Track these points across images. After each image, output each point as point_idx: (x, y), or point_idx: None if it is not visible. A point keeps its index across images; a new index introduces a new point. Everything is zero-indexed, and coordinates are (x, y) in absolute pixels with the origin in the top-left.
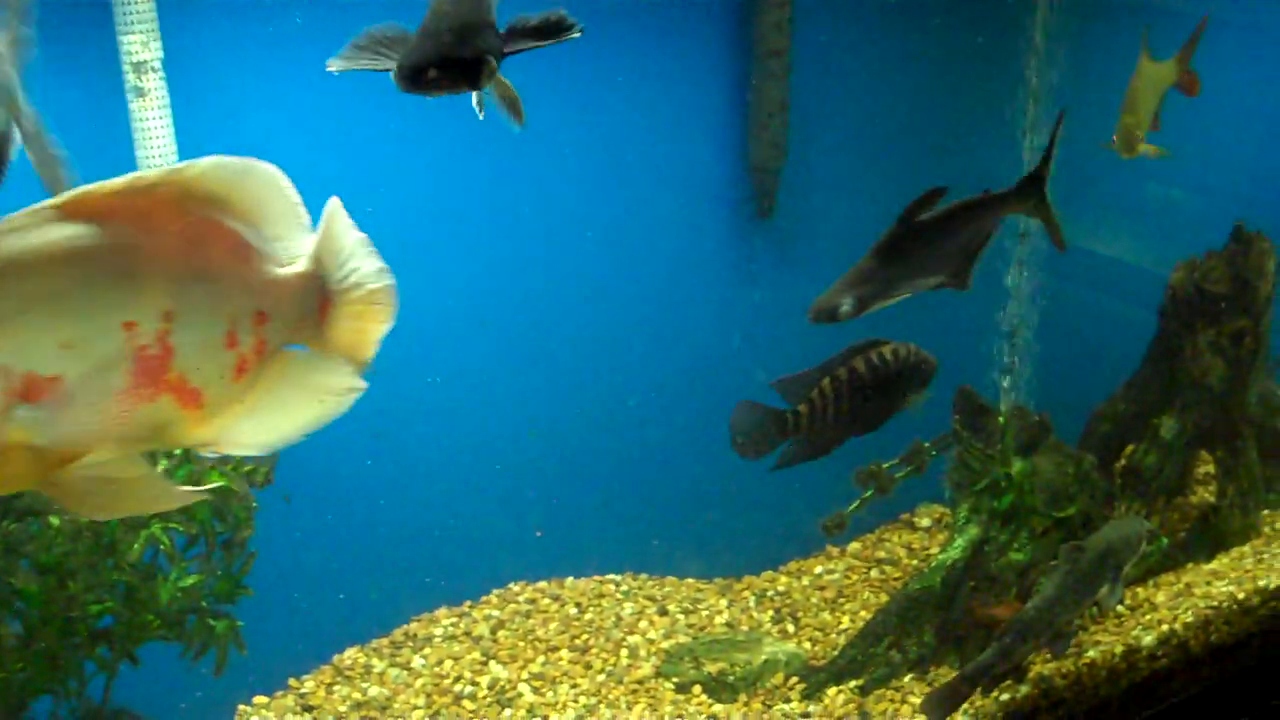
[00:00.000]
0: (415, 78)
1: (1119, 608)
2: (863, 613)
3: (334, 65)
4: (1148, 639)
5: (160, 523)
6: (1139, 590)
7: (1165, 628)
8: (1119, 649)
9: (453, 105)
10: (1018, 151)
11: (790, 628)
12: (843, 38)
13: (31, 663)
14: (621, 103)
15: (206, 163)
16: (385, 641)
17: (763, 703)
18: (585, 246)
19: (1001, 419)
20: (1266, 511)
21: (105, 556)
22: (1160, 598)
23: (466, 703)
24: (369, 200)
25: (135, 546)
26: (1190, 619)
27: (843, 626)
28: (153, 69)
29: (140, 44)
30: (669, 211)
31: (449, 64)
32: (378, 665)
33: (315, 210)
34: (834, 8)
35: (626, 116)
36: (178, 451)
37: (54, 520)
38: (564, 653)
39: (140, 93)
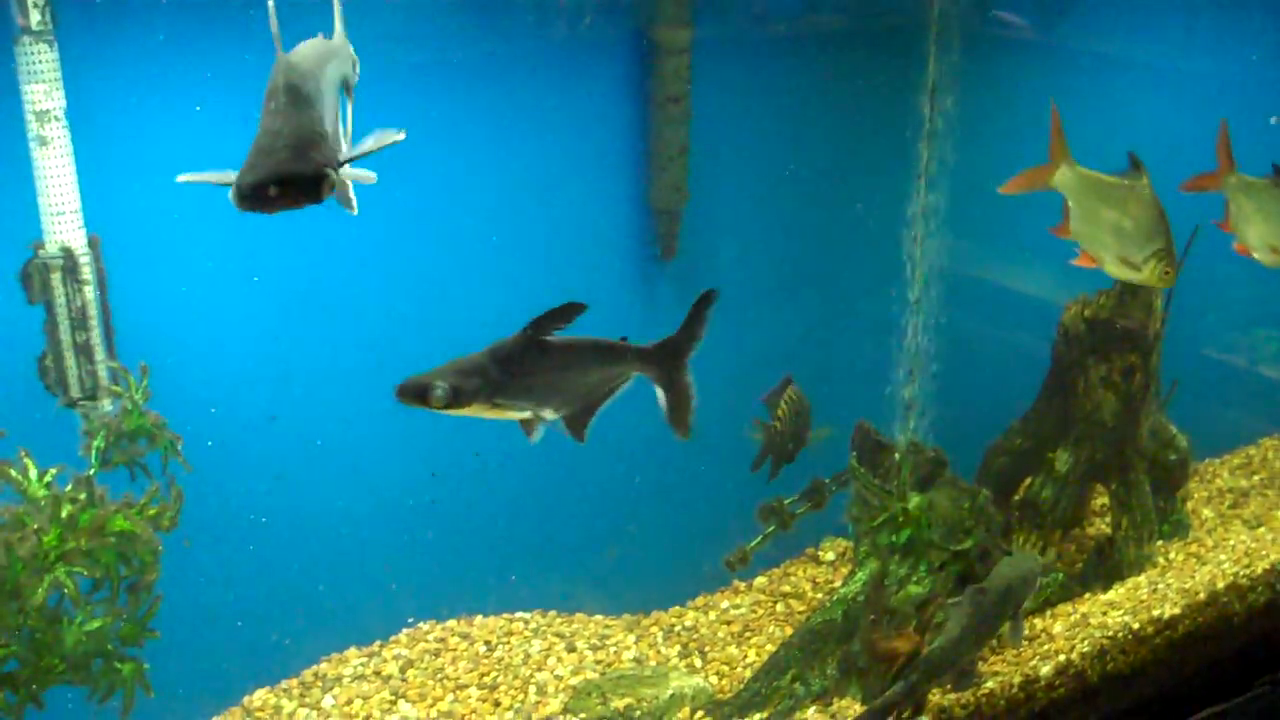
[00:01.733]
0: (256, 195)
1: None
2: (769, 646)
3: (183, 178)
4: (1045, 669)
5: (65, 566)
6: (1036, 621)
7: (1062, 658)
8: (1017, 679)
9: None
10: (909, 190)
11: (698, 662)
12: (740, 82)
13: None
14: (524, 146)
15: None
16: (295, 682)
17: None
18: (489, 288)
19: (897, 455)
20: (1160, 543)
21: (8, 600)
22: (1057, 628)
23: None
24: (273, 249)
25: (39, 590)
26: (1087, 649)
27: (749, 660)
28: (55, 118)
29: (43, 93)
30: (573, 254)
31: (288, 181)
32: (287, 706)
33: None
34: (731, 54)
35: (529, 159)
36: (82, 495)
37: None
38: (473, 690)
39: (43, 141)
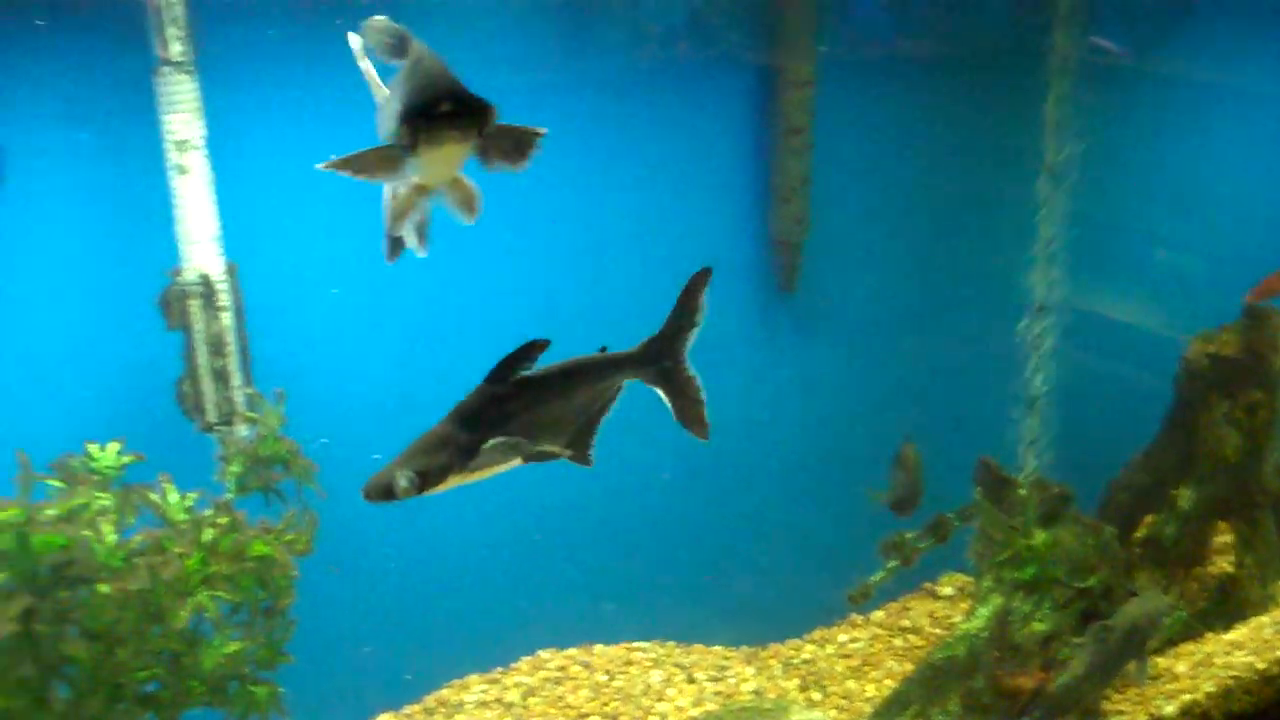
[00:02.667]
0: (429, 111)
1: None
2: (887, 681)
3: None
4: (1170, 709)
5: (207, 590)
6: (1159, 660)
7: (1187, 697)
8: (1142, 718)
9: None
10: (1032, 225)
11: (816, 695)
12: (863, 115)
13: None
14: (646, 176)
15: None
16: (418, 708)
17: None
18: (612, 316)
19: (1023, 490)
20: None
21: (153, 624)
22: (1181, 668)
23: None
24: (405, 277)
25: (183, 613)
26: (1212, 689)
27: (868, 694)
28: (195, 147)
29: (183, 123)
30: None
31: (463, 101)
32: None
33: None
34: (854, 86)
35: (650, 189)
36: (223, 520)
37: (103, 588)
38: (594, 719)
39: (182, 170)
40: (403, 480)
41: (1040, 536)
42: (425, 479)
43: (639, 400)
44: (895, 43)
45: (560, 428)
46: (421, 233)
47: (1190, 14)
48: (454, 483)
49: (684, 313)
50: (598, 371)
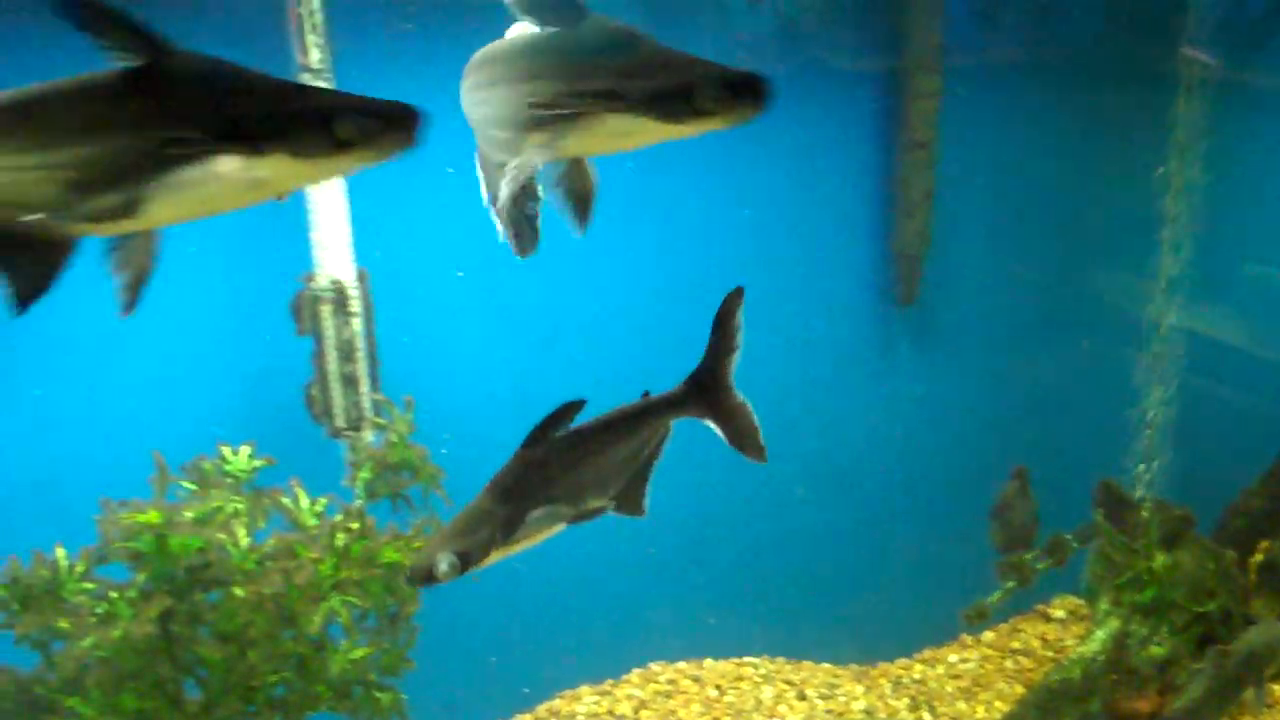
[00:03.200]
0: (757, 85)
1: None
2: (998, 703)
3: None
4: None
5: (339, 595)
6: (1276, 688)
7: None
8: None
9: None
10: (1155, 244)
11: (927, 716)
12: (986, 131)
13: None
14: (768, 187)
15: None
16: (529, 717)
17: None
18: None
19: (1145, 513)
20: None
21: (285, 627)
22: None
23: None
24: (528, 286)
25: (316, 618)
26: None
27: (978, 716)
28: None
29: None
30: (812, 295)
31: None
32: None
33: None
34: (979, 102)
35: (773, 200)
36: (354, 525)
37: (238, 591)
38: None
39: None
40: (444, 564)
41: (1160, 559)
42: (467, 560)
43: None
44: (1023, 56)
45: (608, 482)
46: (533, 222)
47: None
48: (498, 557)
49: (722, 339)
50: (639, 420)
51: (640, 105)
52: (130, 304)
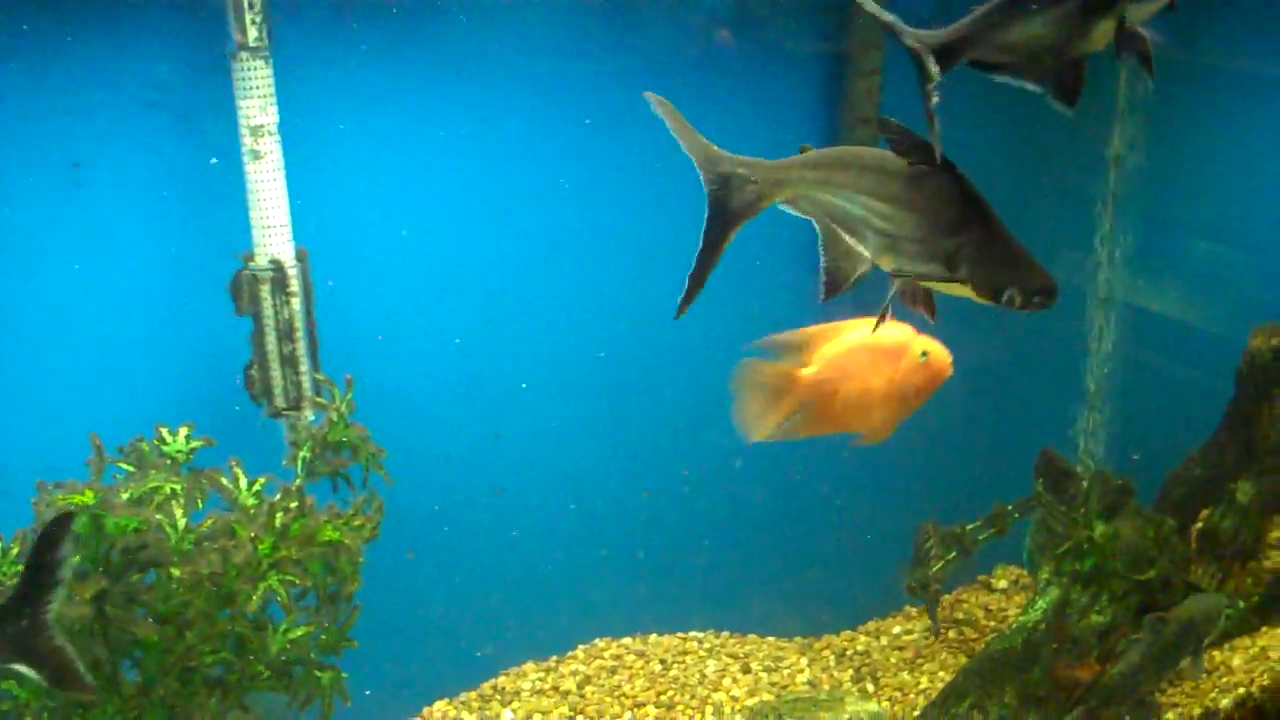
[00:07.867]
0: (1053, 299)
1: None
2: (941, 673)
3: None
4: (1224, 702)
5: (277, 574)
6: (1215, 654)
7: (1242, 691)
8: (1196, 711)
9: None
10: (1098, 219)
11: (870, 687)
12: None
13: (150, 711)
14: None
15: None
16: (474, 695)
17: None
18: (667, 313)
19: (1084, 483)
20: None
21: (223, 606)
22: (1236, 661)
23: None
24: (477, 262)
25: (254, 598)
26: (1267, 682)
27: (922, 686)
28: (269, 132)
29: (258, 108)
30: (754, 269)
31: None
32: (466, 718)
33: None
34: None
35: None
36: (293, 505)
37: (174, 571)
38: (650, 709)
39: (256, 155)
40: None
41: (1100, 529)
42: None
43: (701, 391)
44: None
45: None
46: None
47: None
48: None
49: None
50: None
51: (980, 290)
52: None
